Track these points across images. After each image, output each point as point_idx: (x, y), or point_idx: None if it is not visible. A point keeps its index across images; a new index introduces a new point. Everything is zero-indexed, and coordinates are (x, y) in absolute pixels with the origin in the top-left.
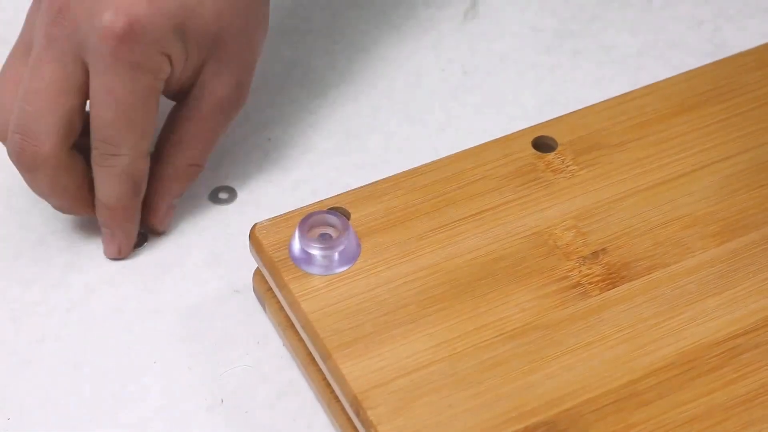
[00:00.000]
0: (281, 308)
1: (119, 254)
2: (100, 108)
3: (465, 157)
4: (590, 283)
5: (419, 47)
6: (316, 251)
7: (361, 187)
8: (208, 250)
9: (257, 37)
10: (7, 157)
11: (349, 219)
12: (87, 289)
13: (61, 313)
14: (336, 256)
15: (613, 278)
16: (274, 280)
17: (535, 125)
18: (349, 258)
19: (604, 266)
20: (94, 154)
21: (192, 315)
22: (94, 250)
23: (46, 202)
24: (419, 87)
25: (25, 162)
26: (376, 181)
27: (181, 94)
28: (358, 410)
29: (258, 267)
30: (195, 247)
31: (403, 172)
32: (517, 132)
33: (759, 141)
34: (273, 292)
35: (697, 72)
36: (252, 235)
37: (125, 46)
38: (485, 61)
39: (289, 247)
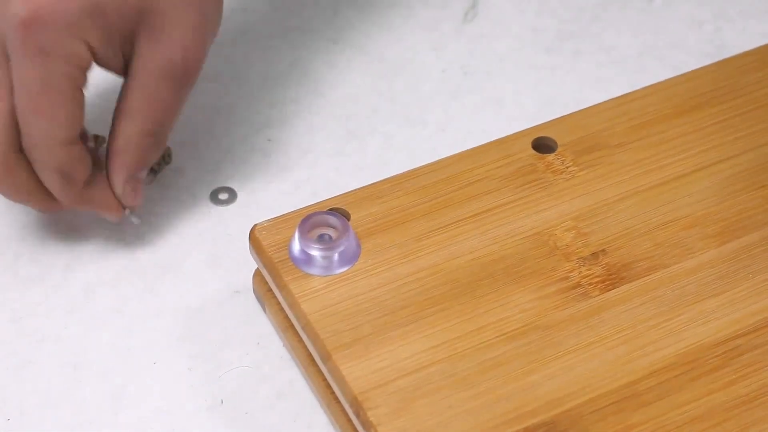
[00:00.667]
0: (281, 309)
1: (116, 221)
2: (17, 99)
3: (465, 157)
4: (590, 284)
5: (419, 48)
6: (316, 252)
7: (361, 187)
8: (208, 251)
9: None
10: None
11: (348, 220)
12: (87, 289)
13: (61, 313)
14: (336, 256)
15: (613, 279)
16: (274, 280)
17: (535, 126)
18: (349, 259)
19: (604, 267)
20: (23, 147)
21: (192, 316)
22: (94, 251)
23: None
24: (419, 88)
25: None
26: (376, 182)
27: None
28: (359, 411)
29: (258, 268)
30: (195, 247)
31: (403, 172)
32: (517, 133)
33: (759, 142)
34: (273, 292)
35: (698, 73)
36: (252, 236)
37: (31, 33)
38: (485, 62)
39: (288, 247)
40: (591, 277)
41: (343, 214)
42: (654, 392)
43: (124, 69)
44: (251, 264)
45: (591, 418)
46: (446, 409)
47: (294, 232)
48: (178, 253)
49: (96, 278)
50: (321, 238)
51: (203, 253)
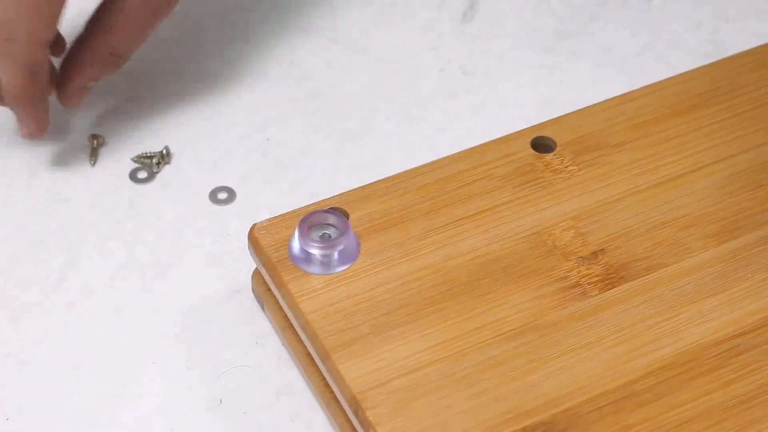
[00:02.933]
0: (280, 308)
1: (31, 137)
2: None
3: (464, 157)
4: (589, 284)
5: (418, 48)
6: (315, 250)
7: (360, 187)
8: (207, 251)
9: None
10: (6, 159)
11: (348, 219)
12: (86, 289)
13: (60, 313)
14: (335, 255)
15: (611, 278)
16: (272, 280)
17: (534, 125)
18: (349, 257)
19: (602, 266)
20: None
21: (191, 315)
22: (92, 250)
23: (46, 202)
24: (418, 87)
25: None
26: (375, 182)
27: None
28: (357, 410)
29: (257, 267)
30: (194, 247)
31: (402, 172)
32: (516, 132)
33: (757, 142)
34: (272, 292)
35: (696, 73)
36: (251, 236)
37: None
38: (484, 62)
39: (288, 246)
40: (590, 276)
41: (343, 214)
42: (652, 392)
43: None
44: (250, 263)
45: (589, 418)
46: (445, 409)
47: (294, 231)
48: (177, 252)
49: (94, 278)
50: (321, 237)
51: (202, 253)
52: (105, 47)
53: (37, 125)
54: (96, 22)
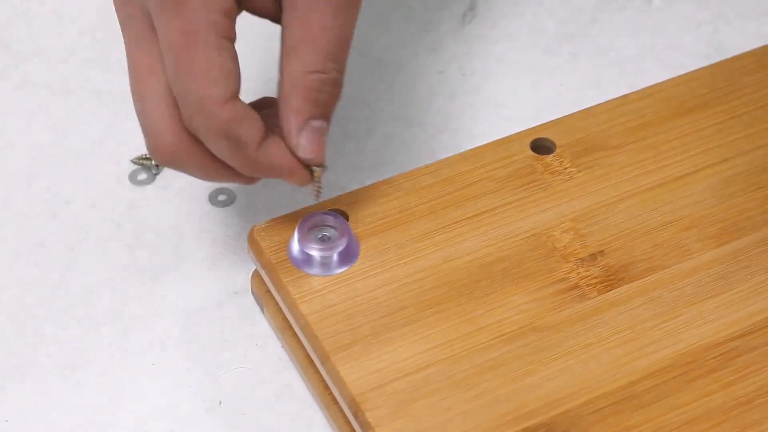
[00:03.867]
0: (280, 310)
1: (301, 182)
2: (166, 66)
3: (463, 159)
4: (588, 285)
5: (418, 49)
6: (315, 251)
7: (360, 189)
8: (207, 252)
9: None
10: (5, 159)
11: (347, 221)
12: (85, 290)
13: (60, 315)
14: (335, 256)
15: (611, 280)
16: (272, 281)
17: (533, 127)
18: (348, 259)
19: (602, 268)
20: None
21: (190, 317)
22: (92, 251)
23: (44, 205)
24: (417, 89)
25: (161, 161)
26: (375, 183)
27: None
28: (357, 412)
29: (256, 269)
30: (194, 249)
31: (402, 174)
32: (515, 134)
33: (757, 143)
34: (271, 294)
35: (696, 74)
36: (250, 237)
37: None
38: (484, 63)
39: (288, 247)
40: (589, 278)
41: (342, 215)
42: (652, 393)
43: (276, 9)
44: (250, 265)
45: (589, 419)
46: (445, 411)
47: (293, 233)
48: (177, 254)
49: (94, 280)
50: (320, 239)
51: (202, 254)
52: (298, 68)
53: (291, 174)
54: (283, 48)
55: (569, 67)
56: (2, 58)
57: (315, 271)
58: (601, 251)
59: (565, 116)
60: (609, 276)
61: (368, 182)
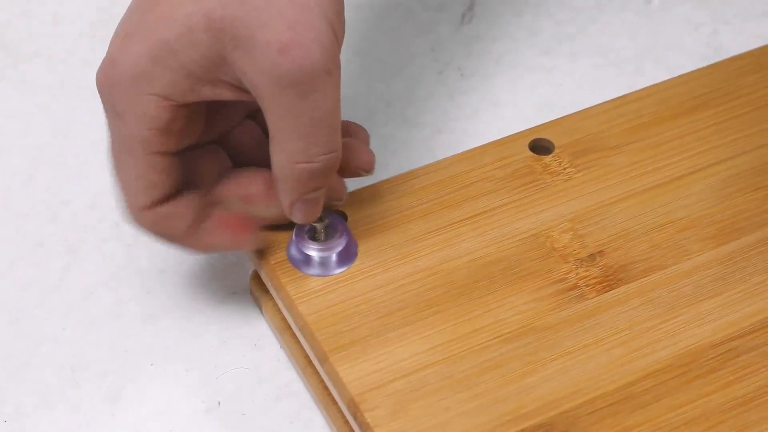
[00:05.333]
0: (278, 310)
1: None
2: None
3: (462, 159)
4: (587, 286)
5: (417, 50)
6: (313, 252)
7: (359, 189)
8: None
9: None
10: (5, 159)
11: (346, 221)
12: (85, 291)
13: (59, 315)
14: (334, 257)
15: (610, 280)
16: (271, 282)
17: (532, 128)
18: (347, 259)
19: (601, 268)
20: None
21: (189, 317)
22: (91, 252)
23: (43, 205)
24: (416, 89)
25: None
26: (374, 183)
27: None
28: (356, 412)
29: (255, 269)
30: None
31: (401, 174)
32: (514, 134)
33: (756, 144)
34: (270, 294)
35: (694, 75)
36: None
37: (105, 94)
38: (482, 64)
39: (286, 247)
40: (588, 278)
41: (341, 216)
42: (651, 394)
43: (239, 100)
44: (248, 265)
45: (588, 420)
46: (443, 411)
47: (292, 233)
48: (176, 254)
49: (93, 280)
50: (315, 236)
51: (201, 255)
52: (286, 159)
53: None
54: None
55: (568, 67)
56: (2, 59)
57: (314, 271)
58: (600, 252)
59: (563, 117)
60: (608, 276)
61: (367, 182)
